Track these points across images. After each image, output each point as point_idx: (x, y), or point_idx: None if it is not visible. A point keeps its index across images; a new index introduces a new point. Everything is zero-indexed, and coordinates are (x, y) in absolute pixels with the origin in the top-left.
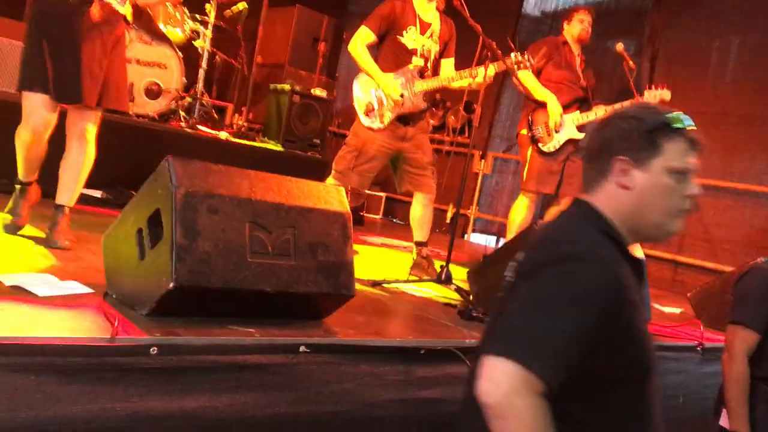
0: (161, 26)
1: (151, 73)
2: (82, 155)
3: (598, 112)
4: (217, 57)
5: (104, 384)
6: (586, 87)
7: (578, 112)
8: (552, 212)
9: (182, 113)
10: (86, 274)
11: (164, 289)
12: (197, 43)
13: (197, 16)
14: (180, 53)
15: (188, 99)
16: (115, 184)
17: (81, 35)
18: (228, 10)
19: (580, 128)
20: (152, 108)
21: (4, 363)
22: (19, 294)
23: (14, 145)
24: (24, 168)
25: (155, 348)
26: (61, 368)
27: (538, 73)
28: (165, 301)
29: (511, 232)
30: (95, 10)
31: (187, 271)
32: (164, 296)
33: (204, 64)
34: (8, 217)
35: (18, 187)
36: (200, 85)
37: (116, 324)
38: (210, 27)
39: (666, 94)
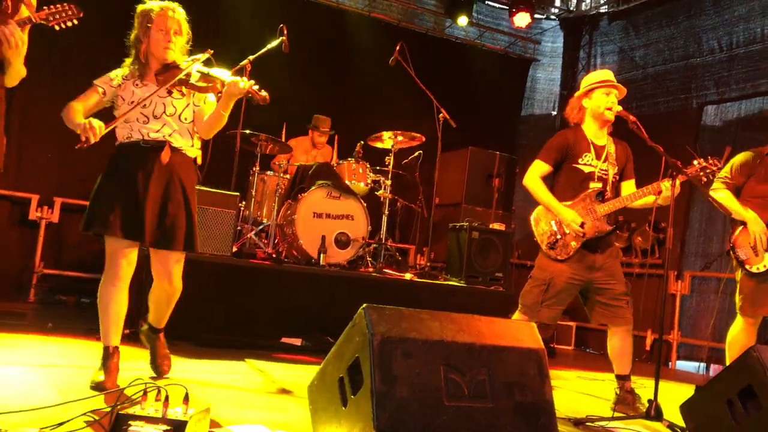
0: (347, 182)
1: (340, 225)
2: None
3: None
4: (398, 203)
5: None
6: None
7: None
8: None
9: (369, 259)
10: (293, 424)
11: None
12: (379, 193)
13: (377, 167)
14: (364, 203)
15: (374, 245)
16: (312, 330)
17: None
18: (406, 159)
19: None
20: (342, 257)
21: None
22: None
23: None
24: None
25: None
26: None
27: (738, 190)
28: None
29: (730, 358)
30: (164, 155)
31: (387, 417)
32: None
33: (386, 210)
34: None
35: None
36: (384, 231)
37: None
38: (390, 176)
39: None
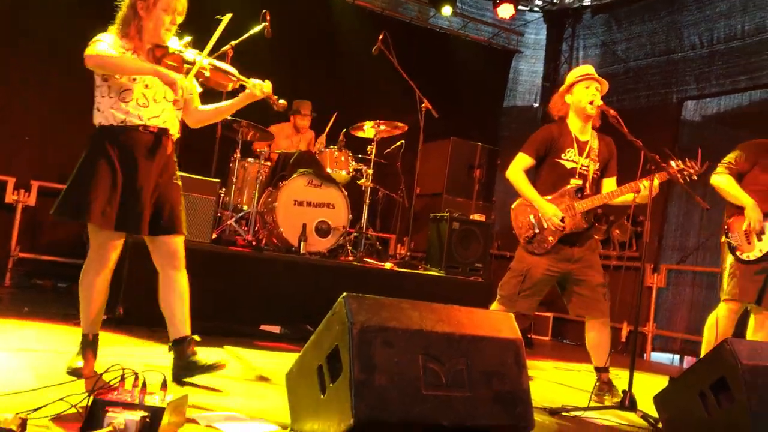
0: (329, 170)
1: (321, 213)
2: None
3: None
4: (379, 192)
5: None
6: None
7: None
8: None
9: (350, 247)
10: (271, 411)
11: (345, 425)
12: (360, 182)
13: (359, 156)
14: (345, 192)
15: (354, 234)
16: (291, 318)
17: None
18: (388, 149)
19: None
20: (323, 245)
21: None
22: None
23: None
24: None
25: None
26: None
27: (740, 177)
28: None
29: (707, 343)
30: (168, 146)
31: (366, 405)
32: None
33: (367, 199)
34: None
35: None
36: (364, 220)
37: None
38: (372, 165)
39: None
